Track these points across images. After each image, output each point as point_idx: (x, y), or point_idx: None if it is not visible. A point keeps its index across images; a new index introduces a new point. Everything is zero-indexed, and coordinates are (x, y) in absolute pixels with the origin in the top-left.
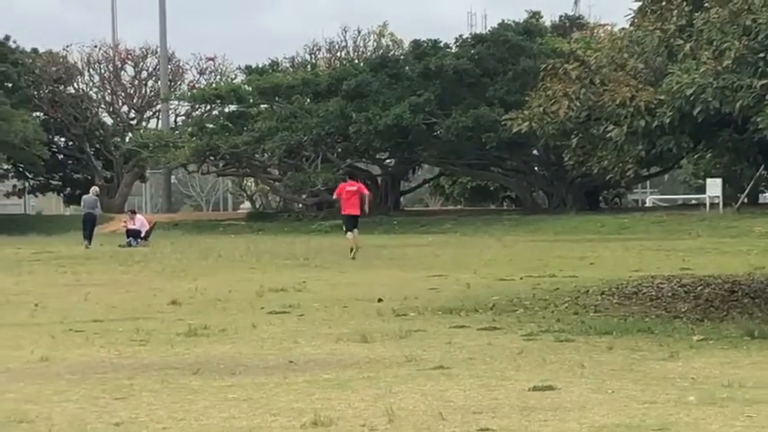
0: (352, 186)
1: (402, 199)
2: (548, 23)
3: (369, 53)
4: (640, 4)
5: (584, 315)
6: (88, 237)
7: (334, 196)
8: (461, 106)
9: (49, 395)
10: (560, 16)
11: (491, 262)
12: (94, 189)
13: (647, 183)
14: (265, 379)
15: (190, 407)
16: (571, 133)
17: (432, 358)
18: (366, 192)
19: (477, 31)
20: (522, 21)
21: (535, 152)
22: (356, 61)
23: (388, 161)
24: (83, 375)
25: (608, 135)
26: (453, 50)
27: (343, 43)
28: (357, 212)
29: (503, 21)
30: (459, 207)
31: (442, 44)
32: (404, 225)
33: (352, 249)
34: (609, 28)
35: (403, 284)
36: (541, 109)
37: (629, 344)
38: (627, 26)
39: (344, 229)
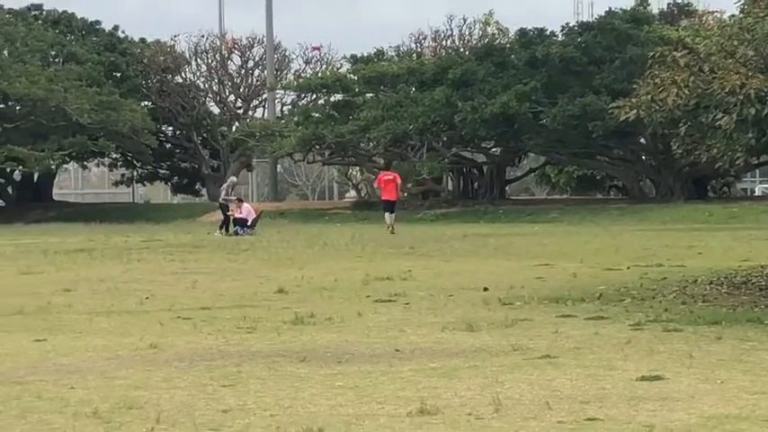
0: (388, 176)
1: (508, 188)
2: (655, 11)
3: (474, 42)
4: None
5: (693, 305)
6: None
7: (375, 185)
8: (568, 94)
9: (158, 382)
10: (668, 4)
11: (597, 251)
12: (231, 179)
13: (756, 172)
14: (371, 367)
15: (297, 394)
16: (679, 121)
17: (538, 347)
18: (400, 180)
19: (584, 19)
20: (629, 8)
21: (642, 141)
22: (462, 50)
23: (493, 150)
24: (191, 362)
25: (717, 123)
26: (560, 39)
27: (449, 32)
28: (393, 198)
29: (610, 9)
30: (565, 196)
31: (548, 32)
32: (509, 214)
33: (389, 227)
34: (718, 15)
35: (509, 273)
36: (649, 97)
37: (739, 334)
38: (737, 13)
39: (383, 209)
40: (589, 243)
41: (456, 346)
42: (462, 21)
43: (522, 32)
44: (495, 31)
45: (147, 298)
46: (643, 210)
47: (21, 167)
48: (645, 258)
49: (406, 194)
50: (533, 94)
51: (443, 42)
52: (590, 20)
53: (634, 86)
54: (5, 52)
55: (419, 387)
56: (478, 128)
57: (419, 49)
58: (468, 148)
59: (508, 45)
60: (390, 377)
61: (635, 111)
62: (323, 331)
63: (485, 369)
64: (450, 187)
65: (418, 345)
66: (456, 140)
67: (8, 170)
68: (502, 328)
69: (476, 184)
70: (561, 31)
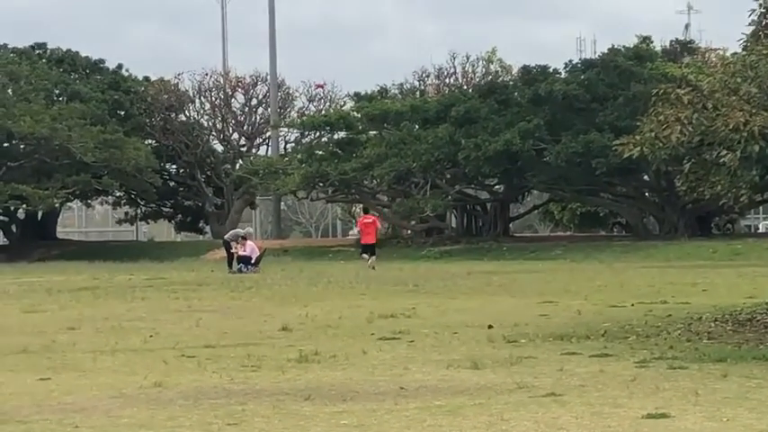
0: (368, 219)
1: (511, 225)
2: (658, 48)
3: (477, 79)
4: (753, 28)
5: (698, 342)
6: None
7: (356, 228)
8: (571, 132)
9: (163, 420)
10: (671, 41)
11: (602, 288)
12: (247, 230)
13: (760, 208)
14: (377, 405)
15: None
16: (683, 158)
17: (543, 385)
18: (378, 225)
19: (587, 57)
20: (632, 46)
21: (646, 178)
22: (465, 87)
23: (497, 187)
24: (195, 401)
25: (721, 160)
26: (563, 76)
27: (452, 69)
28: (372, 241)
29: (613, 46)
30: (568, 233)
31: (551, 69)
32: (513, 251)
33: (370, 266)
34: (721, 52)
35: (513, 311)
36: (653, 134)
37: (744, 371)
38: (739, 51)
39: (361, 252)
40: (593, 280)
41: (461, 383)
42: (465, 58)
43: (526, 70)
44: (498, 69)
45: (151, 336)
46: (647, 247)
47: (25, 206)
48: (649, 295)
49: (409, 232)
50: (536, 131)
51: (446, 80)
52: (593, 57)
53: (638, 124)
54: (10, 91)
55: (424, 425)
56: (482, 165)
57: (422, 87)
58: (472, 186)
59: (511, 82)
60: (395, 415)
61: (639, 148)
62: (327, 369)
63: (490, 407)
64: (453, 224)
65: (423, 382)
66: (459, 178)
67: (12, 208)
68: (507, 365)
69: (479, 222)
70: (564, 68)
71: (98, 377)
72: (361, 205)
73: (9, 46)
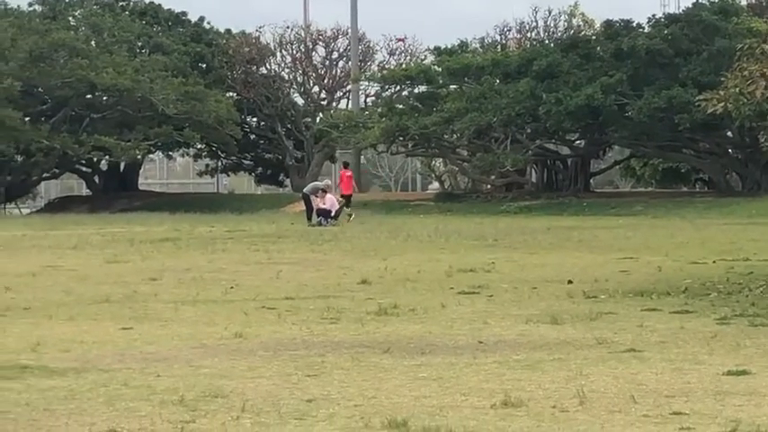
0: (348, 173)
1: (592, 180)
2: (744, 2)
3: (559, 33)
4: None
5: None
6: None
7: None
8: (654, 87)
9: (243, 371)
10: None
11: (683, 245)
12: (326, 182)
13: None
14: (455, 359)
15: (380, 385)
16: (767, 114)
17: (623, 341)
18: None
19: (671, 11)
20: (716, 0)
21: (729, 134)
22: (547, 41)
23: (578, 142)
24: (275, 352)
25: None
26: (646, 30)
27: (534, 23)
28: (350, 192)
29: (697, 0)
30: (650, 189)
31: (634, 24)
32: (594, 207)
33: (351, 216)
34: None
35: (593, 266)
36: (737, 90)
37: None
38: None
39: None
40: (674, 236)
41: (540, 338)
42: (547, 12)
43: (608, 24)
44: (581, 23)
45: (231, 288)
46: (729, 203)
47: (107, 157)
48: (731, 252)
49: (489, 187)
50: (619, 86)
51: (528, 34)
52: (677, 11)
53: (721, 79)
54: (93, 43)
55: (503, 379)
56: (563, 120)
57: (504, 41)
58: (553, 141)
59: (594, 37)
60: (474, 369)
61: (722, 104)
62: (406, 322)
63: (569, 362)
64: (533, 179)
65: (502, 337)
66: (540, 132)
67: (95, 160)
68: (586, 321)
69: (560, 177)
70: (648, 22)
71: (179, 327)
72: (442, 158)
73: None
